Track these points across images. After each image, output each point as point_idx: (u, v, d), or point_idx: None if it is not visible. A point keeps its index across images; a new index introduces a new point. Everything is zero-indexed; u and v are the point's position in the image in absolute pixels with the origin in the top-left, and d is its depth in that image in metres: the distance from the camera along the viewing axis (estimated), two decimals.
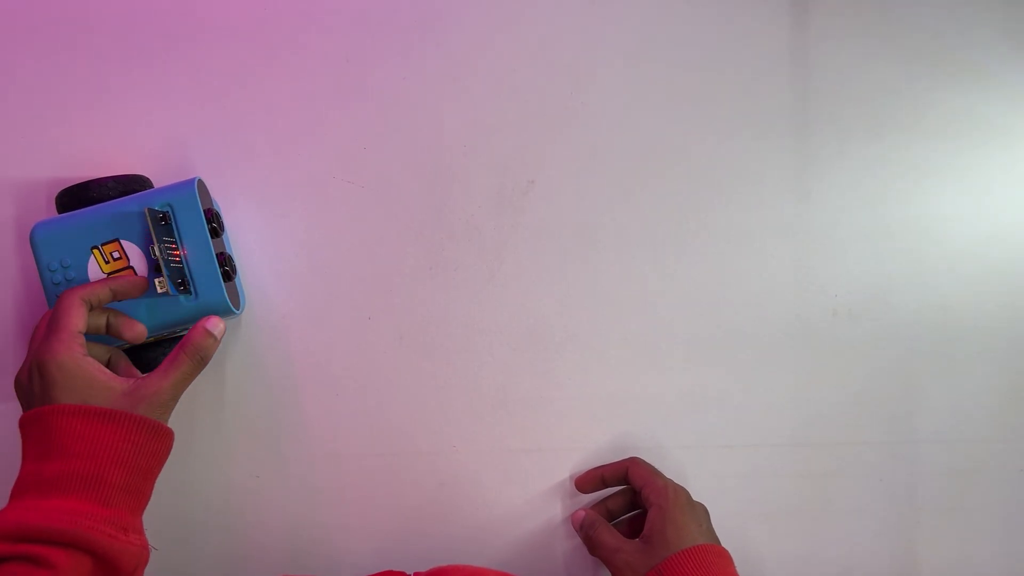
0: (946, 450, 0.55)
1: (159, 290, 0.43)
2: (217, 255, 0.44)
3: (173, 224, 0.44)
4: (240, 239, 0.51)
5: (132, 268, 0.44)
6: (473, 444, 0.52)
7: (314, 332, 0.51)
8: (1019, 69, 0.55)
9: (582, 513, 0.51)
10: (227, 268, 0.45)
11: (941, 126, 0.55)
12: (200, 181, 0.45)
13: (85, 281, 0.44)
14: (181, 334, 0.46)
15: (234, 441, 0.51)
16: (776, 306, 0.53)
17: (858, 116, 0.54)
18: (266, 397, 0.51)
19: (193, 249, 0.44)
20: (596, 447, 0.53)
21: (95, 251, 0.44)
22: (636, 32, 0.53)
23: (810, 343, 0.54)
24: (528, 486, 0.52)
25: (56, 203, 0.47)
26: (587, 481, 0.52)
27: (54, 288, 0.44)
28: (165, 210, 0.44)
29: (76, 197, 0.46)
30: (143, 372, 0.47)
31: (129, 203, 0.44)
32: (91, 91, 0.50)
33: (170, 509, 0.51)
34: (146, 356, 0.47)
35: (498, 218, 0.52)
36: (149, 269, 0.44)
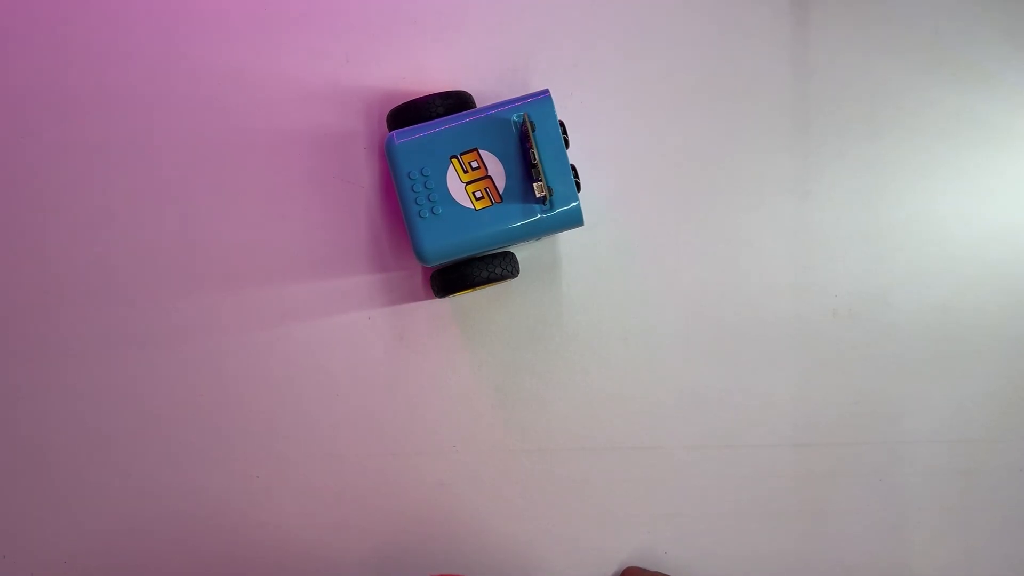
0: (946, 450, 0.55)
1: (538, 194, 0.44)
2: (571, 166, 0.46)
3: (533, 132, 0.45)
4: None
5: (490, 178, 0.46)
6: (473, 444, 0.52)
7: (314, 332, 0.51)
8: (1019, 69, 0.55)
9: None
10: (578, 180, 0.46)
11: (941, 126, 0.55)
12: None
13: (443, 189, 0.46)
14: (488, 253, 0.48)
15: (234, 441, 0.51)
16: (776, 306, 0.53)
17: (858, 116, 0.54)
18: (266, 397, 0.51)
19: (550, 159, 0.45)
20: (596, 447, 0.53)
21: (454, 160, 0.46)
22: (636, 32, 0.53)
23: (810, 343, 0.54)
24: (528, 486, 0.52)
25: (388, 121, 0.49)
26: None
27: (412, 195, 0.45)
28: (529, 122, 0.45)
29: (405, 114, 0.48)
30: (456, 288, 0.48)
31: (488, 113, 0.46)
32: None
33: (170, 509, 0.51)
34: (460, 272, 0.48)
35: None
36: (507, 179, 0.45)
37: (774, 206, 0.54)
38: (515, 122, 0.46)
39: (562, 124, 0.47)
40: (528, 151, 0.45)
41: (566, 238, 0.52)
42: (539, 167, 0.44)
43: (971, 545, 0.55)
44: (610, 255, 0.53)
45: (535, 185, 0.45)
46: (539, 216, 0.46)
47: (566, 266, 0.52)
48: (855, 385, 0.54)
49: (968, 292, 0.55)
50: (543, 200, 0.45)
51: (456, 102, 0.48)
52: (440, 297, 0.50)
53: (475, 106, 0.49)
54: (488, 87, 0.52)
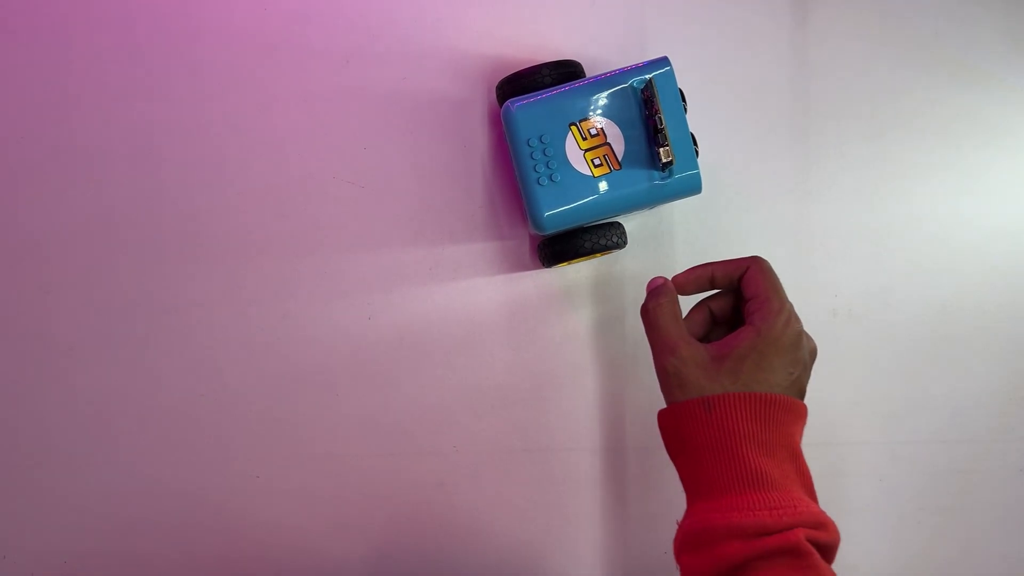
0: (946, 450, 0.55)
1: (664, 159, 0.44)
2: (690, 134, 0.45)
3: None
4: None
5: (609, 145, 0.45)
6: (473, 444, 0.52)
7: (314, 332, 0.51)
8: (1019, 69, 0.55)
9: (661, 280, 0.45)
10: (696, 147, 0.46)
11: (941, 126, 0.55)
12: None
13: (562, 156, 0.45)
14: (599, 222, 0.48)
15: (234, 441, 0.51)
16: None
17: (858, 116, 0.54)
18: (266, 397, 0.51)
19: (672, 125, 0.44)
20: (596, 447, 0.53)
21: (573, 128, 0.45)
22: (635, 32, 0.53)
23: None
24: (528, 486, 0.52)
25: (497, 91, 0.49)
26: (690, 280, 0.44)
27: (531, 162, 0.45)
28: (652, 87, 0.44)
29: (515, 83, 0.48)
30: (566, 258, 0.48)
31: (607, 80, 0.45)
32: None
33: (170, 509, 0.51)
34: (571, 242, 0.47)
35: (498, 218, 0.52)
36: (626, 145, 0.45)
37: (774, 206, 0.54)
38: (635, 88, 0.45)
39: (681, 92, 0.46)
40: (652, 117, 0.44)
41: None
42: (665, 132, 0.43)
43: (971, 545, 0.55)
44: (603, 263, 0.53)
45: (661, 150, 0.43)
46: (659, 183, 0.45)
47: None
48: (855, 385, 0.54)
49: (968, 292, 0.55)
50: (666, 166, 0.44)
51: (566, 71, 0.48)
52: (547, 266, 0.50)
53: (584, 75, 0.49)
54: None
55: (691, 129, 0.46)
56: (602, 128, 0.45)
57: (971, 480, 0.55)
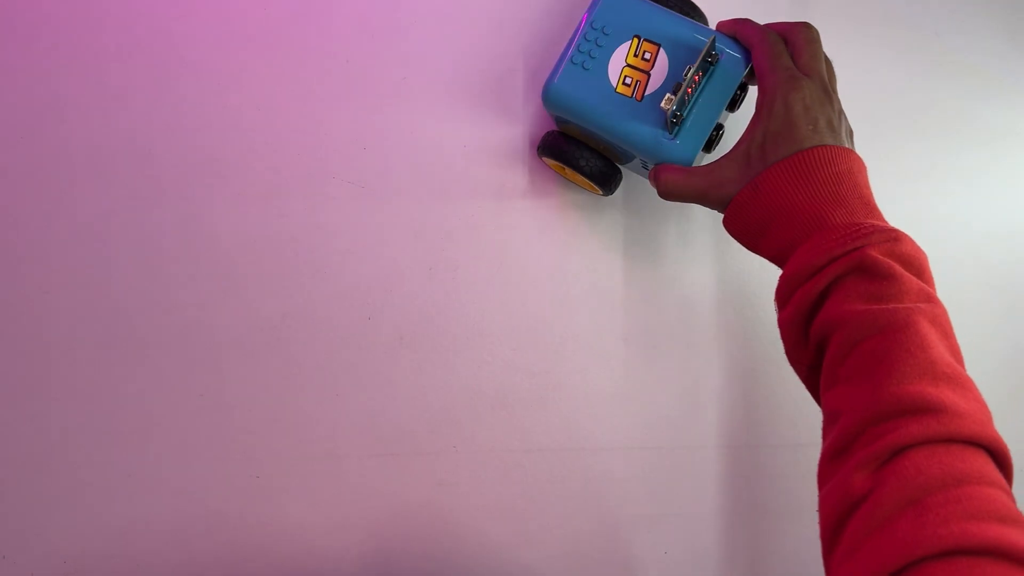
0: None
1: (663, 105, 0.43)
2: (717, 123, 0.45)
3: (709, 72, 0.44)
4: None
5: (648, 75, 0.45)
6: (473, 444, 0.52)
7: (314, 332, 0.51)
8: (1019, 69, 0.55)
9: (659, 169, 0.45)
10: (714, 137, 0.45)
11: (941, 126, 0.55)
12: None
13: (607, 55, 0.45)
14: (601, 146, 0.48)
15: (234, 441, 0.51)
16: None
17: (858, 116, 0.54)
18: (266, 397, 0.51)
19: (705, 103, 0.44)
20: (596, 447, 0.53)
21: (635, 39, 0.45)
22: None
23: None
24: (528, 486, 0.52)
25: None
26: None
27: (582, 41, 0.46)
28: (713, 55, 0.44)
29: None
30: (554, 155, 0.49)
31: (694, 26, 0.45)
32: None
33: (170, 509, 0.51)
34: (568, 147, 0.48)
35: (498, 218, 0.52)
36: (660, 88, 0.45)
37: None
38: (700, 40, 0.45)
39: (742, 91, 0.45)
40: (685, 72, 0.43)
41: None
42: (682, 87, 0.43)
43: None
44: (609, 253, 0.53)
45: (667, 95, 0.43)
46: (659, 136, 0.44)
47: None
48: None
49: (968, 292, 0.55)
50: (668, 120, 0.43)
51: (685, 6, 0.48)
52: (539, 155, 0.50)
53: (698, 20, 0.49)
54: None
55: (728, 126, 0.45)
56: (654, 59, 0.45)
57: None
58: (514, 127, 0.52)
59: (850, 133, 0.43)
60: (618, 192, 0.52)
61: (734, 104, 0.46)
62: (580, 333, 0.53)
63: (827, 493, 0.34)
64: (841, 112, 0.42)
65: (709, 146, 0.45)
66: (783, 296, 0.40)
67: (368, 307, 0.52)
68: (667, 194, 0.44)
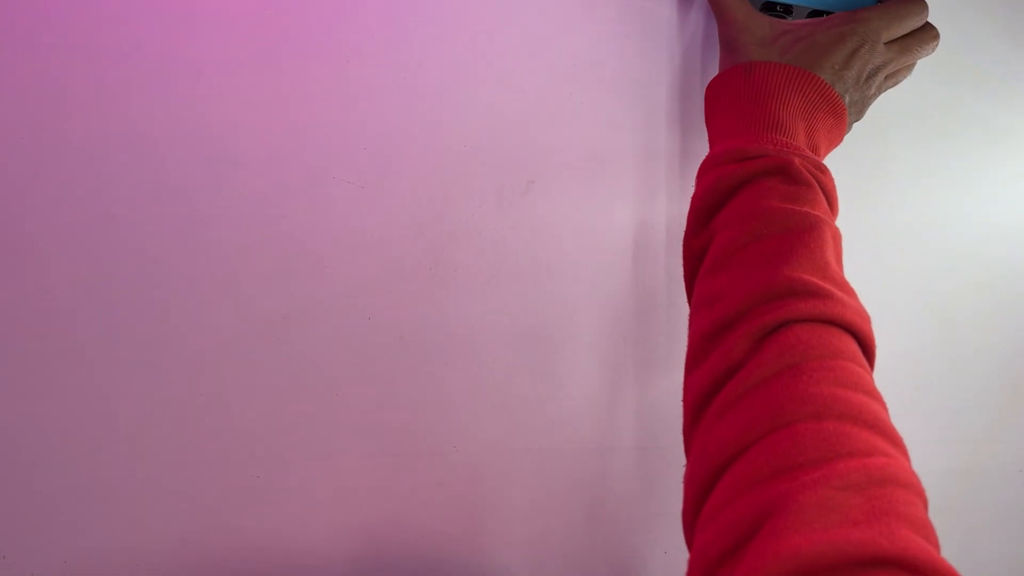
0: (946, 450, 0.55)
1: None
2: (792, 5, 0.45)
3: None
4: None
5: None
6: (473, 444, 0.52)
7: (314, 332, 0.51)
8: (1019, 69, 0.55)
9: None
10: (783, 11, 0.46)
11: (941, 126, 0.55)
12: None
13: None
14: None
15: (234, 441, 0.51)
16: None
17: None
18: (266, 397, 0.51)
19: None
20: (596, 447, 0.53)
21: None
22: (636, 32, 0.53)
23: None
24: (528, 486, 0.52)
25: None
26: None
27: None
28: None
29: None
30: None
31: None
32: None
33: (170, 509, 0.51)
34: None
35: (498, 218, 0.52)
36: None
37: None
38: None
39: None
40: None
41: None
42: None
43: (971, 545, 0.55)
44: (604, 264, 0.53)
45: None
46: None
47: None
48: None
49: (968, 292, 0.55)
50: None
51: None
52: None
53: None
54: None
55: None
56: None
57: (971, 480, 0.55)
58: (515, 126, 0.52)
59: (859, 112, 0.44)
60: (619, 184, 0.53)
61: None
62: (580, 333, 0.53)
63: (701, 371, 0.35)
64: (871, 89, 0.43)
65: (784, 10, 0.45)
66: (701, 174, 0.42)
67: (368, 307, 0.52)
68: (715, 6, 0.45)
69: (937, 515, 0.54)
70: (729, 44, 0.44)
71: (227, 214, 0.51)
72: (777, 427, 0.30)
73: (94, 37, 0.51)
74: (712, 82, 0.45)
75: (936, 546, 0.28)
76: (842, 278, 0.38)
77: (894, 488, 0.28)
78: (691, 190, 0.53)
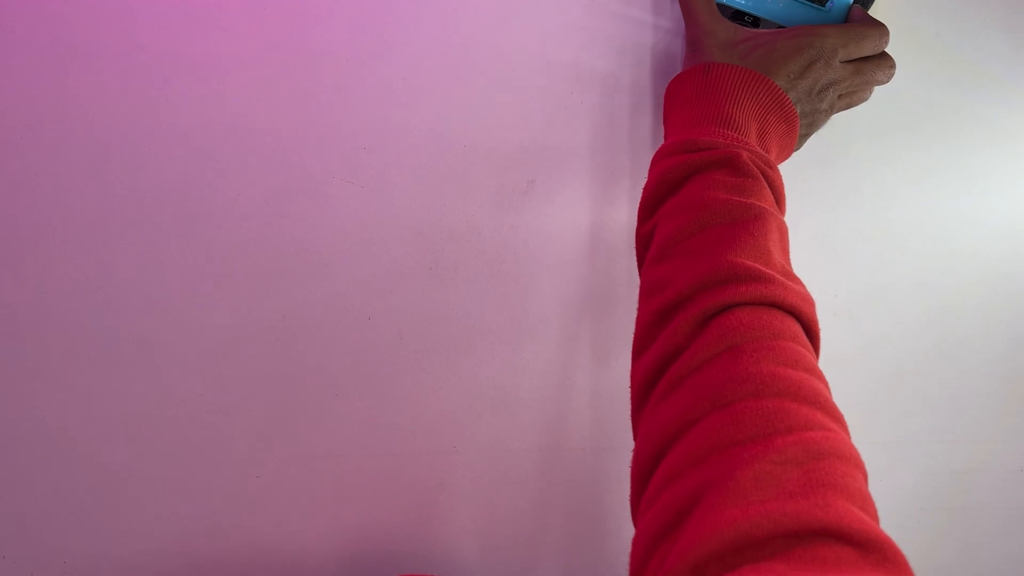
0: (946, 450, 0.55)
1: None
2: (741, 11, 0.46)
3: None
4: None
5: None
6: (473, 444, 0.52)
7: (314, 332, 0.51)
8: (1019, 69, 0.55)
9: None
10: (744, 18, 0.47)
11: (941, 126, 0.55)
12: None
13: None
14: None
15: (234, 441, 0.51)
16: None
17: (859, 116, 0.54)
18: (266, 397, 0.51)
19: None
20: (596, 447, 0.53)
21: None
22: (636, 31, 0.53)
23: None
24: (528, 486, 0.52)
25: None
26: None
27: None
28: None
29: None
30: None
31: None
32: None
33: (170, 509, 0.51)
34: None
35: (498, 218, 0.52)
36: None
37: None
38: None
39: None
40: None
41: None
42: None
43: (971, 545, 0.55)
44: (604, 264, 0.53)
45: None
46: (811, 9, 0.46)
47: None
48: (855, 385, 0.54)
49: (968, 292, 0.55)
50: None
51: None
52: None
53: None
54: None
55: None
56: None
57: (971, 480, 0.55)
58: (515, 126, 0.52)
59: (810, 125, 0.45)
60: (619, 184, 0.53)
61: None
62: (580, 333, 0.53)
63: (646, 357, 0.36)
64: (822, 104, 0.44)
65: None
66: (653, 164, 0.42)
67: (368, 307, 0.52)
68: (684, 11, 0.47)
69: (937, 515, 0.54)
70: (693, 45, 0.45)
71: (227, 214, 0.51)
72: (717, 407, 0.30)
73: (94, 37, 0.51)
74: (673, 80, 0.46)
75: (875, 517, 0.28)
76: (785, 266, 0.38)
77: (833, 461, 0.28)
78: None
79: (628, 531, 0.53)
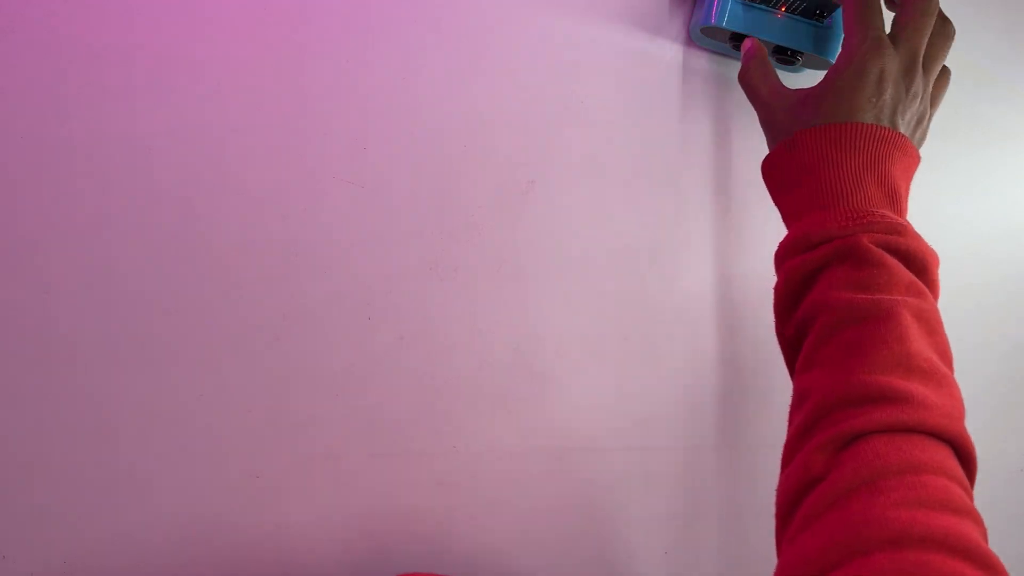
0: None
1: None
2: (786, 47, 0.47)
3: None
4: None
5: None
6: (473, 444, 0.52)
7: (314, 332, 0.51)
8: (1019, 69, 0.55)
9: (750, 43, 0.46)
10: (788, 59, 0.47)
11: (941, 126, 0.55)
12: None
13: None
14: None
15: (234, 441, 0.51)
16: None
17: None
18: (266, 397, 0.51)
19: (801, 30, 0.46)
20: (596, 447, 0.53)
21: None
22: (636, 31, 0.53)
23: None
24: (528, 486, 0.52)
25: None
26: None
27: None
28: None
29: None
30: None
31: None
32: None
33: (170, 509, 0.51)
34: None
35: (498, 218, 0.52)
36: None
37: (775, 206, 0.54)
38: None
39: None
40: None
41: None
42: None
43: None
44: (604, 264, 0.53)
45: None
46: (806, 28, 0.47)
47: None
48: None
49: (968, 292, 0.55)
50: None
51: None
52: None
53: None
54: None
55: None
56: None
57: None
58: (515, 126, 0.52)
59: (920, 123, 0.42)
60: (619, 184, 0.53)
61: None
62: (580, 333, 0.53)
63: (787, 474, 0.34)
64: (917, 97, 0.41)
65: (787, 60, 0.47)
66: (777, 264, 0.41)
67: (368, 307, 0.52)
68: (744, 73, 0.46)
69: None
70: (766, 124, 0.44)
71: (227, 214, 0.51)
72: (854, 554, 0.28)
73: (94, 37, 0.51)
74: (764, 163, 0.44)
75: None
76: (933, 365, 0.35)
77: None
78: (690, 188, 0.53)
79: (627, 530, 0.53)
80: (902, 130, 0.40)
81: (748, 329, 0.53)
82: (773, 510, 0.53)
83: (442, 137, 0.52)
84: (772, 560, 0.53)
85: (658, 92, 0.53)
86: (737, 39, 0.49)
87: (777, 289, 0.40)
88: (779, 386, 0.54)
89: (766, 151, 0.54)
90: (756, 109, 0.45)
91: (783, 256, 0.40)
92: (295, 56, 0.51)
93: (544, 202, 0.52)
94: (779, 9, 0.48)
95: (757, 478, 0.53)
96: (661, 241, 0.53)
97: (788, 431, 0.37)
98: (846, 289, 0.36)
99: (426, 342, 0.52)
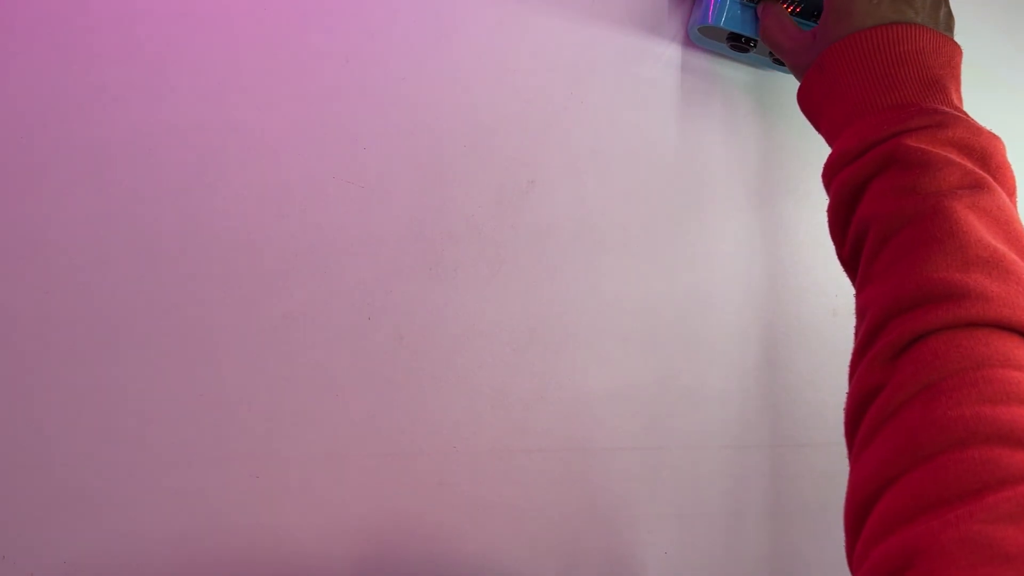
0: None
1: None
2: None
3: None
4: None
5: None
6: (473, 444, 0.52)
7: (314, 332, 0.51)
8: (1019, 69, 0.55)
9: (763, 7, 0.47)
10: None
11: None
12: None
13: None
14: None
15: (234, 441, 0.51)
16: (776, 306, 0.53)
17: None
18: (266, 397, 0.51)
19: None
20: (596, 447, 0.53)
21: None
22: (635, 32, 0.53)
23: (810, 343, 0.54)
24: (528, 486, 0.52)
25: None
26: None
27: None
28: None
29: None
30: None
31: None
32: None
33: (170, 509, 0.51)
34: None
35: (498, 218, 0.52)
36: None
37: (774, 206, 0.54)
38: None
39: None
40: None
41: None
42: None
43: None
44: (603, 264, 0.53)
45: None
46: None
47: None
48: None
49: None
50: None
51: None
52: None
53: None
54: None
55: None
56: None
57: None
58: (515, 126, 0.52)
59: (947, 16, 0.41)
60: (619, 184, 0.53)
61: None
62: (580, 333, 0.53)
63: (849, 393, 0.33)
64: None
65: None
66: (826, 184, 0.40)
67: (368, 307, 0.52)
68: (763, 31, 0.46)
69: None
70: (795, 69, 0.43)
71: (227, 214, 0.51)
72: (919, 460, 0.27)
73: (94, 37, 0.51)
74: (798, 93, 0.44)
75: None
76: (994, 253, 0.32)
77: None
78: (690, 187, 0.53)
79: (627, 530, 0.53)
80: (916, 18, 0.39)
81: (749, 328, 0.53)
82: (773, 510, 0.53)
83: (442, 137, 0.52)
84: (772, 560, 0.53)
85: (657, 92, 0.53)
86: (735, 39, 0.49)
87: (829, 211, 0.39)
88: (779, 386, 0.54)
89: (766, 151, 0.54)
90: (784, 60, 0.45)
91: (829, 176, 0.39)
92: (295, 56, 0.51)
93: (544, 202, 0.52)
94: None
95: (757, 478, 0.53)
96: (661, 240, 0.53)
97: (853, 349, 0.36)
98: (892, 196, 0.35)
99: (426, 342, 0.52)
